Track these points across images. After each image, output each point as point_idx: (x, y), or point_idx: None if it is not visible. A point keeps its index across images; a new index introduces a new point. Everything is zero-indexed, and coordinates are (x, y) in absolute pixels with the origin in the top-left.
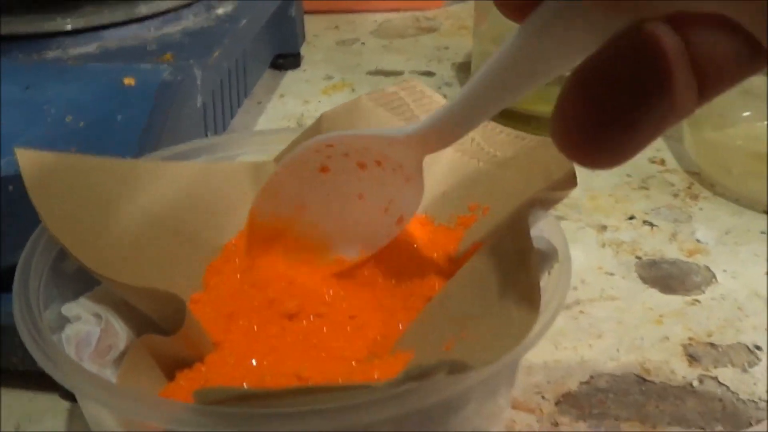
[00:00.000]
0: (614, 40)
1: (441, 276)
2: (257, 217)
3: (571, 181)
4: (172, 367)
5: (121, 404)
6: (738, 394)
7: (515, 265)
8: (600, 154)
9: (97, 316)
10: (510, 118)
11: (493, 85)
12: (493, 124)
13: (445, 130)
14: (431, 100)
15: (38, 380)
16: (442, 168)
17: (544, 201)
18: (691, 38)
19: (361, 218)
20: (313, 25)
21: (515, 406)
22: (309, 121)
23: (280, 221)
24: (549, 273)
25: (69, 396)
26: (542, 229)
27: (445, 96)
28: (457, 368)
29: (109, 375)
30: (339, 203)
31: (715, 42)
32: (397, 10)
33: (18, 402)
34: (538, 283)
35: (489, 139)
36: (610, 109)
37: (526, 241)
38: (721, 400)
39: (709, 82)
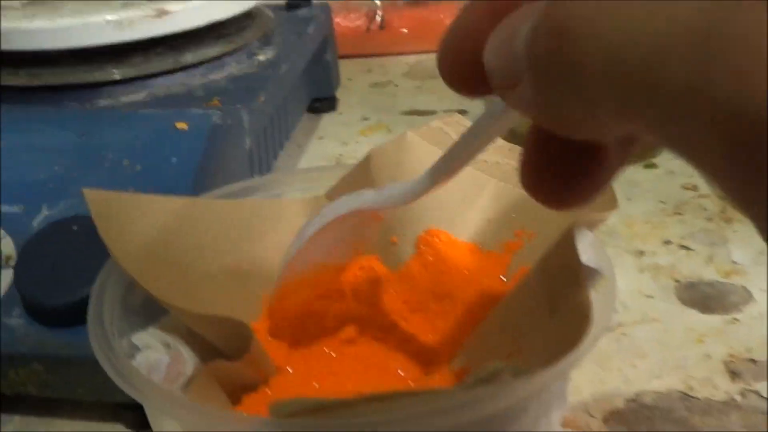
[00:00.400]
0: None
1: (491, 299)
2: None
3: (611, 203)
4: (237, 393)
5: (200, 419)
6: None
7: (565, 281)
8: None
9: (166, 344)
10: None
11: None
12: None
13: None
14: None
15: (101, 412)
16: (487, 196)
17: (588, 222)
18: None
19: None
20: (347, 69)
21: (565, 425)
22: (348, 161)
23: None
24: (595, 290)
25: (135, 425)
26: (587, 249)
27: None
28: (520, 371)
29: None
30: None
31: None
32: (428, 51)
33: None
34: (589, 295)
35: None
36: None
37: (574, 258)
38: (763, 412)
39: None
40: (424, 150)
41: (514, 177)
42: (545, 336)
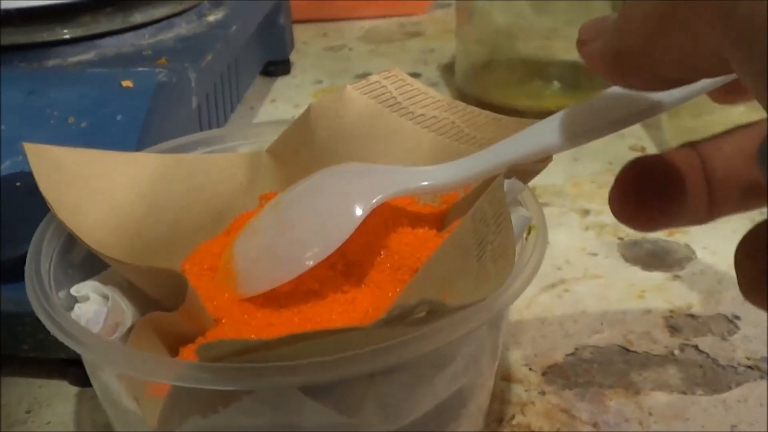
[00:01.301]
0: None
1: (427, 249)
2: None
3: (545, 158)
4: (176, 344)
5: (129, 364)
6: (718, 360)
7: (492, 228)
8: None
9: (105, 296)
10: (494, 112)
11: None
12: (472, 107)
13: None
14: (412, 87)
15: (47, 367)
16: (424, 151)
17: (521, 172)
18: (709, 162)
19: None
20: (302, 33)
21: (504, 378)
22: None
23: None
24: (525, 238)
25: (77, 381)
26: (520, 200)
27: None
28: (435, 307)
29: None
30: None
31: (729, 168)
32: (384, 16)
33: (28, 389)
34: (513, 241)
35: (468, 122)
36: (639, 204)
37: (502, 206)
38: (701, 366)
39: (718, 200)
40: (362, 104)
41: (451, 131)
42: (471, 280)
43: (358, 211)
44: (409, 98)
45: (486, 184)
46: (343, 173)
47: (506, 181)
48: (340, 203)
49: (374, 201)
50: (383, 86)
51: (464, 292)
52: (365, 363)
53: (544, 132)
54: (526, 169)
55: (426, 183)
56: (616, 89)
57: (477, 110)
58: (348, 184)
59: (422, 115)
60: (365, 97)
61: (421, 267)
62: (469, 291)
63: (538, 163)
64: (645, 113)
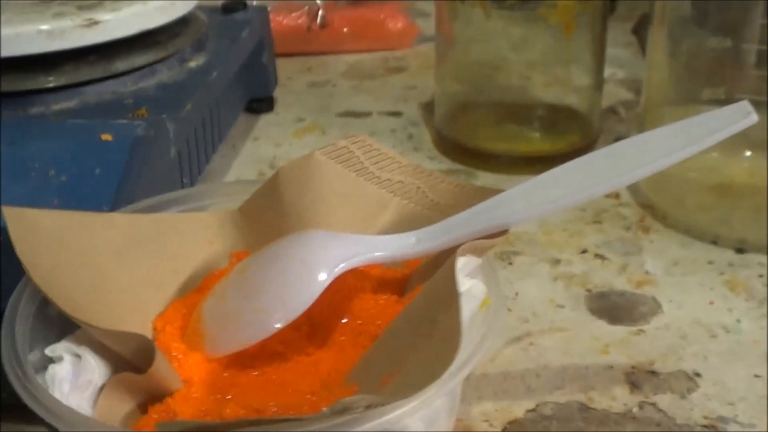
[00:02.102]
0: None
1: (387, 316)
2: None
3: (502, 231)
4: (145, 402)
5: None
6: (675, 420)
7: (443, 307)
8: None
9: (77, 355)
10: (471, 155)
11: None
12: (437, 173)
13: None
14: (379, 152)
15: (28, 415)
16: (389, 215)
17: (476, 248)
18: None
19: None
20: (287, 67)
21: None
22: (281, 163)
23: None
24: (480, 310)
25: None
26: (469, 274)
27: (410, 136)
28: (373, 404)
29: (88, 408)
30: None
31: None
32: (368, 51)
33: None
34: (460, 326)
35: (433, 188)
36: None
37: (453, 286)
38: (658, 425)
39: None
40: (330, 169)
41: (416, 196)
42: (421, 359)
43: (322, 278)
44: (376, 163)
45: (446, 253)
46: (308, 240)
47: (461, 258)
48: (304, 271)
49: (337, 269)
50: (350, 151)
51: (412, 372)
52: None
53: (502, 205)
54: (480, 246)
55: (388, 253)
56: (585, 158)
57: (440, 176)
58: (312, 252)
59: (388, 179)
60: (332, 162)
61: (379, 338)
62: (416, 372)
63: (494, 237)
64: (609, 184)
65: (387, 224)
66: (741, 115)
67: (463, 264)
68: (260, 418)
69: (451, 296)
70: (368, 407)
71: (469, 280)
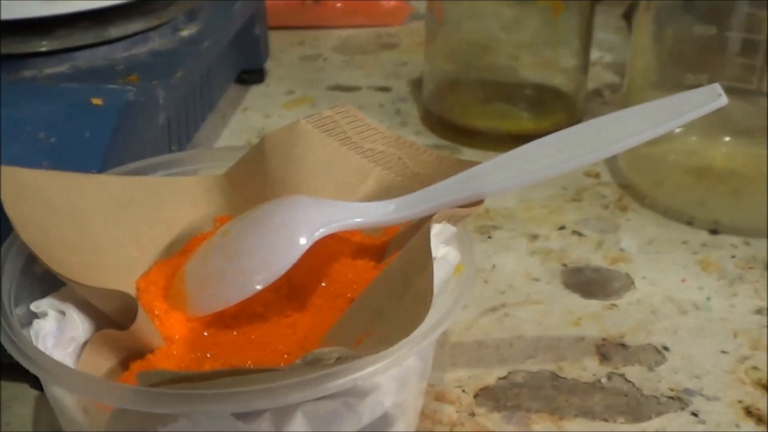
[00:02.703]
0: None
1: (364, 281)
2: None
3: (478, 201)
4: (127, 359)
5: (75, 385)
6: (642, 390)
7: (417, 270)
8: None
9: (61, 312)
10: (458, 132)
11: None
12: (418, 145)
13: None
14: (363, 123)
15: (9, 371)
16: (370, 184)
17: (452, 216)
18: None
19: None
20: (278, 40)
21: (438, 399)
22: None
23: None
24: (453, 277)
25: (37, 386)
26: (443, 240)
27: (398, 111)
28: (344, 356)
29: (71, 364)
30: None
31: None
32: (361, 26)
33: None
34: (431, 287)
35: (414, 158)
36: None
37: (427, 250)
38: (626, 395)
39: None
40: (314, 137)
41: (397, 166)
42: (394, 318)
43: (302, 242)
44: (359, 133)
45: (423, 220)
46: (291, 205)
47: (437, 225)
48: (286, 234)
49: (317, 234)
50: (335, 121)
51: (385, 331)
52: (291, 394)
53: (480, 177)
54: (455, 213)
55: (367, 219)
56: (562, 133)
57: (422, 148)
58: (294, 216)
59: (371, 149)
60: (317, 130)
61: (355, 300)
62: (389, 331)
63: (470, 206)
64: (585, 158)
65: (368, 193)
66: (712, 98)
67: (439, 231)
68: (237, 368)
69: (425, 259)
70: (339, 359)
71: (444, 247)
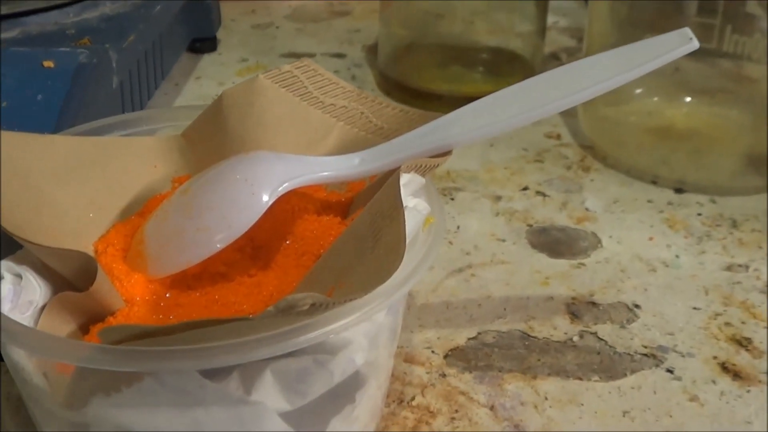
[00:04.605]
0: None
1: (330, 237)
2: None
3: (446, 152)
4: (87, 323)
5: (33, 345)
6: (615, 348)
7: (387, 221)
8: None
9: (17, 275)
10: (415, 96)
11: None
12: (380, 99)
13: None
14: (323, 77)
15: None
16: (333, 140)
17: (420, 166)
18: None
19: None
20: (230, 9)
21: (407, 360)
22: None
23: None
24: (423, 230)
25: None
26: (411, 191)
27: (353, 77)
28: (318, 301)
29: None
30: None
31: None
32: None
33: None
34: (404, 235)
35: (377, 113)
36: None
37: (397, 200)
38: (599, 353)
39: None
40: (274, 93)
41: (360, 121)
42: (363, 271)
43: (265, 198)
44: (320, 88)
45: (389, 174)
46: (252, 161)
47: (405, 175)
48: (247, 190)
49: (280, 189)
50: (295, 76)
51: (356, 282)
52: (260, 349)
53: (446, 127)
54: (424, 164)
55: (331, 173)
56: (528, 81)
57: (385, 102)
58: (256, 172)
59: (332, 104)
60: (276, 86)
61: (323, 256)
62: (361, 282)
63: (438, 157)
64: (551, 106)
65: (330, 148)
66: (682, 41)
67: (407, 181)
68: (204, 319)
69: (394, 209)
70: (313, 306)
71: (412, 198)
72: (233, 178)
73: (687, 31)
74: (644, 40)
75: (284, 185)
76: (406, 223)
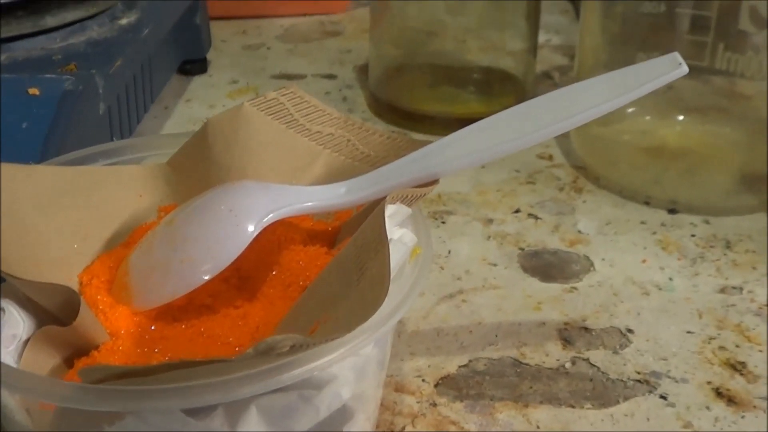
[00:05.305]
0: None
1: (317, 268)
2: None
3: (432, 181)
4: (72, 356)
5: (15, 384)
6: (608, 374)
7: (372, 254)
8: None
9: (1, 309)
10: (406, 117)
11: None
12: (368, 125)
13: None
14: (309, 104)
15: None
16: (319, 168)
17: (406, 196)
18: None
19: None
20: (220, 30)
21: (397, 389)
22: None
23: None
24: (410, 261)
25: None
26: (397, 222)
27: (344, 98)
28: (298, 344)
29: (13, 363)
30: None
31: None
32: (304, 14)
33: None
34: (388, 269)
35: (364, 140)
36: None
37: (381, 231)
38: (591, 380)
39: None
40: (259, 120)
41: (346, 148)
42: (350, 304)
43: (250, 228)
44: (306, 115)
45: (376, 203)
46: (237, 191)
47: (391, 206)
48: (232, 221)
49: (266, 219)
50: (281, 103)
51: (341, 317)
52: (244, 387)
53: (433, 155)
54: (410, 194)
55: (317, 203)
56: (518, 107)
57: (372, 128)
58: (241, 203)
59: (318, 132)
60: (262, 113)
61: (308, 288)
62: (346, 317)
63: (424, 186)
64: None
65: (317, 177)
66: (672, 66)
67: (393, 212)
68: (185, 360)
69: (379, 242)
70: (293, 347)
71: (399, 229)
72: (218, 209)
73: (676, 56)
74: (634, 66)
75: (269, 216)
76: (392, 256)
